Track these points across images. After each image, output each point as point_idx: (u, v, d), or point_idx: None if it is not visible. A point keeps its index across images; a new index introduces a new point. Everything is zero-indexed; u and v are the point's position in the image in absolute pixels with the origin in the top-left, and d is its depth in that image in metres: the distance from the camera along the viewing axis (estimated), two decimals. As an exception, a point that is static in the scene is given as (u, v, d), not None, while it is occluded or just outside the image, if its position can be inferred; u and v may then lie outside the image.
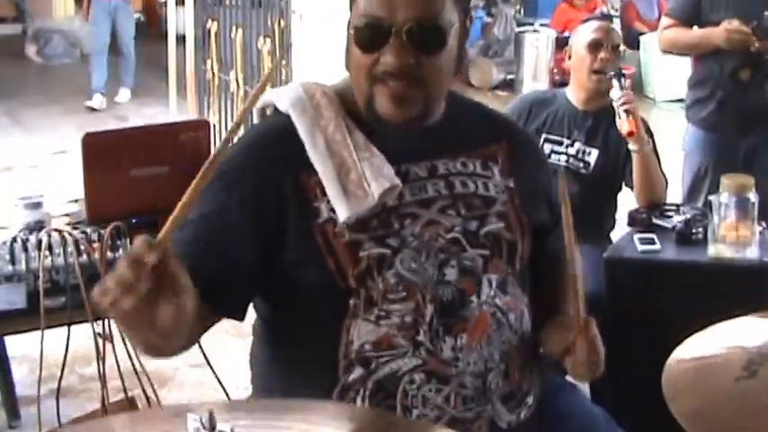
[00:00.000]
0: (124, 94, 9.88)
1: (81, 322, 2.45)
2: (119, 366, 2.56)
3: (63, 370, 2.51)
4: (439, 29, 1.89)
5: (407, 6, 1.84)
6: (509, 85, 10.74)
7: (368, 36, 1.87)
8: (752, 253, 3.29)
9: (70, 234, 2.48)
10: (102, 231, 2.55)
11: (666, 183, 3.79)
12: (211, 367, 2.73)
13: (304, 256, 1.89)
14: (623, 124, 3.58)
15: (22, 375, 3.90)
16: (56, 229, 2.60)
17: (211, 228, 1.88)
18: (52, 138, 8.14)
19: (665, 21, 4.31)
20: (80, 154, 2.86)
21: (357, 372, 1.89)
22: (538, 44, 10.62)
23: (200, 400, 3.66)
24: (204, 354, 2.63)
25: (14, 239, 2.45)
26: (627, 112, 3.59)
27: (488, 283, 1.93)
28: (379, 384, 1.89)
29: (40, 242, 2.44)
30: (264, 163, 1.93)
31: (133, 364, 2.59)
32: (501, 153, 2.06)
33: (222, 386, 2.92)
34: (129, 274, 1.53)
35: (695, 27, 4.16)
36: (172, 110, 8.52)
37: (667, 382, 1.38)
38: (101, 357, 2.47)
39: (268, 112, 2.06)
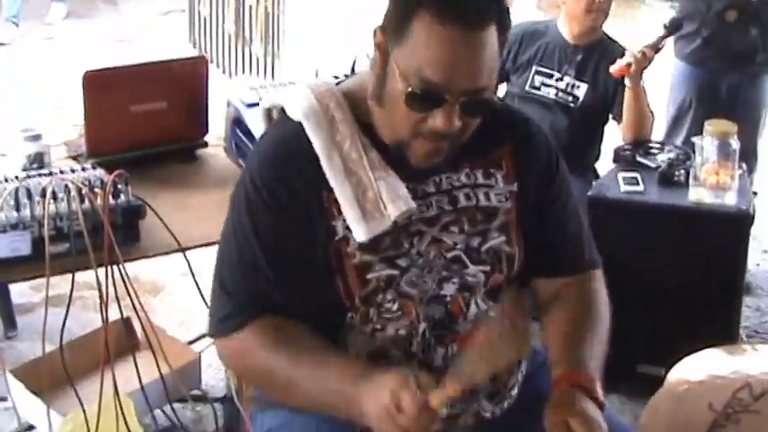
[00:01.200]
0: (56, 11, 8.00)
1: (85, 269, 2.48)
2: (114, 281, 2.58)
3: (65, 323, 2.54)
4: (489, 99, 1.86)
5: (468, 78, 1.77)
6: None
7: (421, 101, 1.78)
8: (730, 199, 3.35)
9: (73, 182, 2.48)
10: (104, 179, 2.56)
11: (653, 118, 3.83)
12: (198, 286, 2.70)
13: (318, 273, 1.88)
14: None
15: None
16: (60, 171, 2.61)
17: (265, 248, 1.88)
18: (40, 20, 7.98)
19: None
20: (81, 90, 2.88)
21: None
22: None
23: (191, 311, 3.72)
24: (192, 270, 2.65)
25: (18, 187, 2.45)
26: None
27: (476, 302, 1.94)
28: None
29: (44, 190, 2.45)
30: (292, 183, 1.87)
31: (124, 282, 2.61)
32: (505, 156, 2.00)
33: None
34: None
35: None
36: (163, -3, 8.38)
37: None
38: (103, 302, 2.51)
39: (274, 113, 2.03)
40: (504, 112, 2.06)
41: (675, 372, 1.75)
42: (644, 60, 3.60)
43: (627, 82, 3.66)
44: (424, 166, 1.88)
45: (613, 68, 3.64)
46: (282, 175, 1.88)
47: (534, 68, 3.82)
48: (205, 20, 6.91)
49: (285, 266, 1.87)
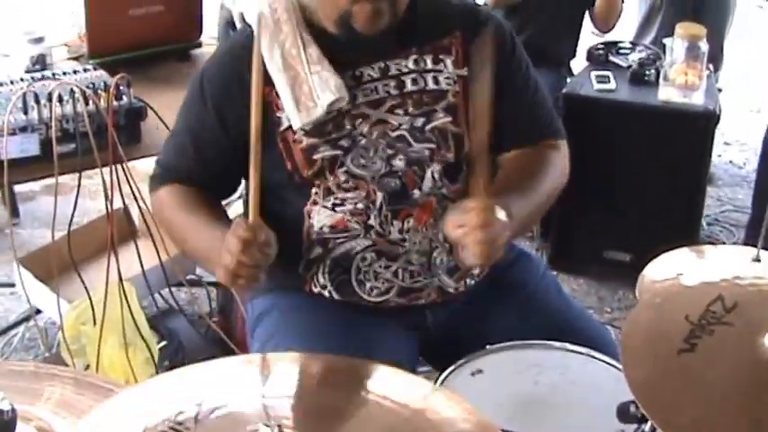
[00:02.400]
0: None
1: (91, 168, 2.52)
2: (117, 175, 2.62)
3: (73, 216, 2.59)
4: None
5: None
6: None
7: None
8: (698, 98, 3.41)
9: (78, 86, 2.50)
10: (106, 81, 2.58)
11: (621, 9, 3.86)
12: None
13: (267, 158, 1.94)
14: None
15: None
16: (63, 72, 2.64)
17: (197, 137, 2.04)
18: None
19: None
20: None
21: (317, 251, 2.04)
22: None
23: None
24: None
25: (26, 92, 2.48)
26: None
27: (432, 175, 2.01)
28: (335, 261, 2.03)
29: (50, 94, 2.47)
30: (234, 77, 1.98)
31: (124, 169, 2.65)
32: (455, 44, 2.05)
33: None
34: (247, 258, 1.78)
35: None
36: None
37: (622, 351, 1.46)
38: (109, 200, 2.55)
39: (246, 18, 2.16)
40: (453, 7, 2.11)
41: (649, 274, 1.82)
42: None
43: None
44: (372, 32, 1.93)
45: None
46: (222, 73, 2.02)
47: None
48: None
49: (216, 151, 2.03)
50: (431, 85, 2.02)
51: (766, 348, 1.38)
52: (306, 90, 1.95)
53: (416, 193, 2.00)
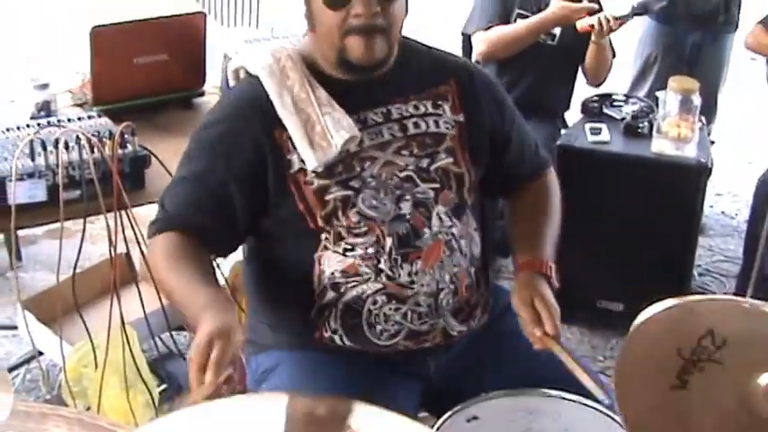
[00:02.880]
0: None
1: (96, 214, 2.56)
2: (121, 221, 2.66)
3: (78, 260, 2.63)
4: None
5: None
6: None
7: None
8: (690, 151, 3.46)
9: (84, 134, 2.55)
10: (111, 129, 2.63)
11: (614, 54, 3.92)
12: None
13: (280, 201, 2.04)
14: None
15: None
16: (68, 119, 2.68)
17: (203, 185, 2.03)
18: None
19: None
20: (88, 44, 2.94)
21: (329, 295, 2.08)
22: None
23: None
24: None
25: (33, 139, 2.52)
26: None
27: (438, 216, 2.08)
28: (347, 305, 2.07)
29: (56, 141, 2.52)
30: (242, 124, 2.05)
31: (128, 216, 2.68)
32: (450, 92, 2.16)
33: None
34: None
35: None
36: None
37: (615, 384, 1.47)
38: (113, 245, 2.59)
39: (241, 74, 2.18)
40: (447, 59, 2.26)
41: (641, 318, 1.87)
42: (607, 29, 3.67)
43: (593, 37, 3.74)
44: (367, 63, 2.02)
45: (580, 24, 3.71)
46: (231, 120, 2.06)
47: (516, 13, 3.82)
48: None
49: (222, 199, 2.02)
50: (432, 128, 2.12)
51: (756, 390, 1.39)
52: (319, 130, 2.02)
53: (426, 233, 2.06)
